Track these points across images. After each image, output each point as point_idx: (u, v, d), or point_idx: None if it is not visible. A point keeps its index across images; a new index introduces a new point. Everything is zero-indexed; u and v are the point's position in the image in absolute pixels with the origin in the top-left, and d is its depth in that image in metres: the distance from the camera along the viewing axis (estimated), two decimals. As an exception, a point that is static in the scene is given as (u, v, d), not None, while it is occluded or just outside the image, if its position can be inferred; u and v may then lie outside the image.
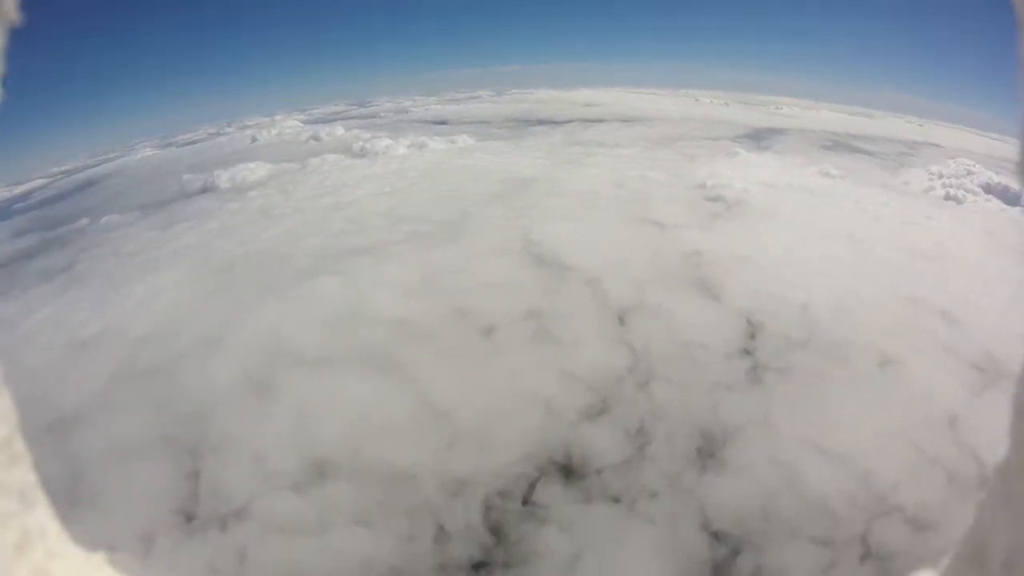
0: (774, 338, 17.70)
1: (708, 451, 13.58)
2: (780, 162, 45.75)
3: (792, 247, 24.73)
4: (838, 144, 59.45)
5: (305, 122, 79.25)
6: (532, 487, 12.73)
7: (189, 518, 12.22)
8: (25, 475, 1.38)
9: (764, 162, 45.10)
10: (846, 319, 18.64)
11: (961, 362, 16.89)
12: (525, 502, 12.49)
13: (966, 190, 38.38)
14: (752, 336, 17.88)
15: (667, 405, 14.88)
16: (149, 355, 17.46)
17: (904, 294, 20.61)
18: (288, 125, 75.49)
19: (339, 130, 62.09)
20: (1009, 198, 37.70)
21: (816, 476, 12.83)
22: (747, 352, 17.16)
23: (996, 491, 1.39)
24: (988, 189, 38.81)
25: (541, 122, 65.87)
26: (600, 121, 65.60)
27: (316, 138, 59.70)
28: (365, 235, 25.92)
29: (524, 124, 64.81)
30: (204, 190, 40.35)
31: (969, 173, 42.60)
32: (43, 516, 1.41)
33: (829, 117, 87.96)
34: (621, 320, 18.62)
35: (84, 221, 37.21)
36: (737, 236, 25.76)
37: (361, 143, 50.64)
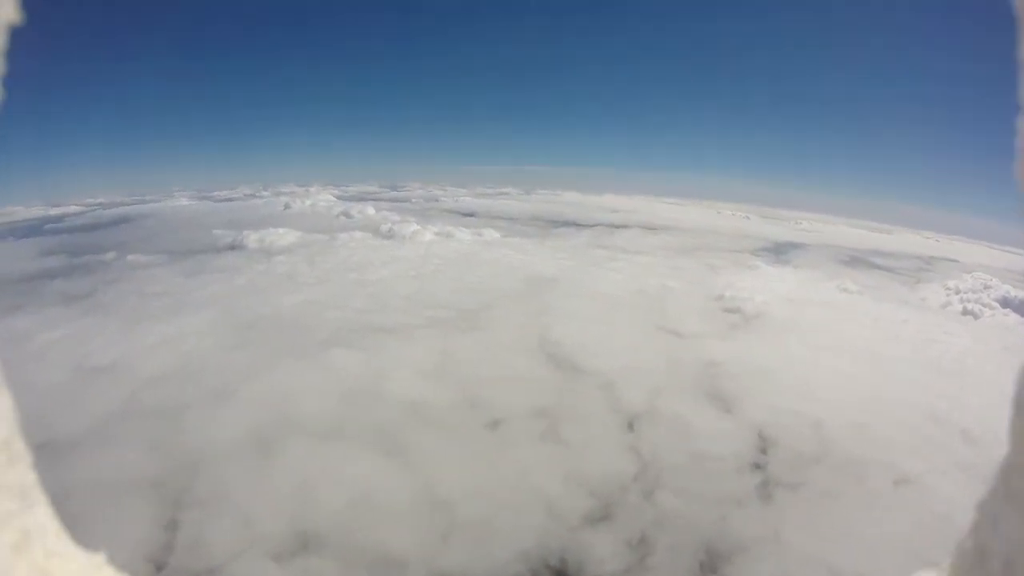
0: (787, 453, 17.11)
1: (712, 566, 12.90)
2: (799, 276, 45.78)
3: (809, 362, 24.31)
4: (856, 259, 59.56)
5: (338, 197, 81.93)
6: (524, 590, 12.18)
7: (159, 567, 11.71)
8: (25, 475, 1.37)
9: (783, 275, 45.16)
10: (862, 436, 17.99)
11: (979, 481, 15.82)
12: None
13: (983, 304, 37.87)
14: (764, 451, 17.34)
15: (672, 516, 14.27)
16: (156, 395, 17.41)
17: (922, 411, 19.97)
18: (322, 198, 77.97)
19: (370, 210, 63.98)
20: None
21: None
22: (758, 466, 16.58)
23: (997, 491, 1.36)
24: (1005, 303, 38.27)
25: (566, 223, 67.22)
26: (624, 227, 66.74)
27: (347, 214, 61.47)
28: (387, 315, 26.10)
29: (550, 224, 66.19)
30: (233, 247, 41.55)
31: (986, 287, 42.22)
32: (43, 516, 1.40)
33: (848, 232, 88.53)
34: (631, 426, 18.24)
35: (111, 254, 38.22)
36: (754, 349, 25.45)
37: (390, 225, 51.99)
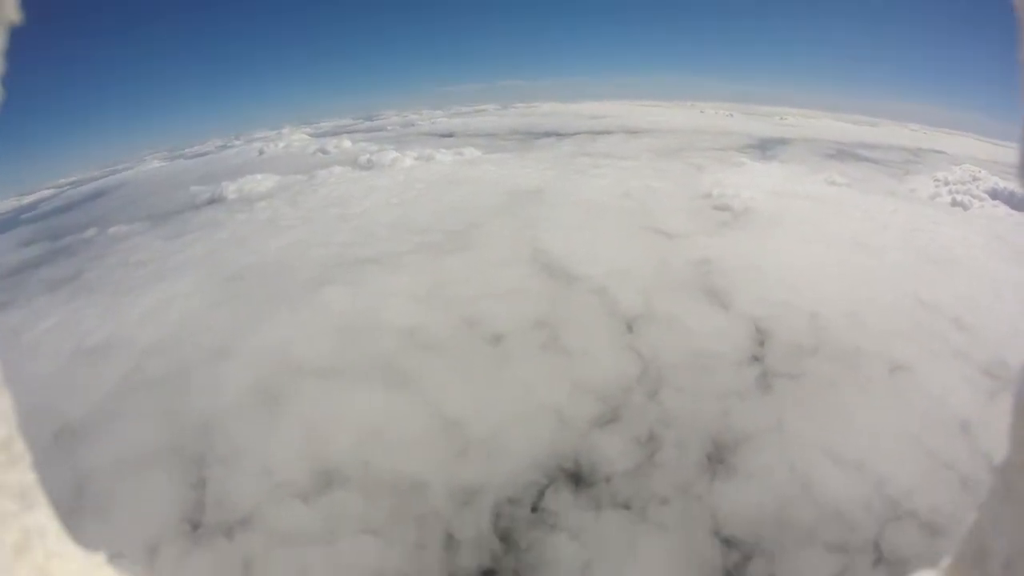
0: (784, 345, 17.46)
1: (719, 458, 13.36)
2: (786, 171, 45.56)
3: (800, 255, 24.47)
4: (843, 153, 59.31)
5: (312, 135, 79.94)
6: (541, 494, 12.54)
7: (195, 526, 12.06)
8: (25, 475, 1.36)
9: (770, 171, 44.95)
10: (856, 326, 18.38)
11: (973, 367, 16.66)
12: (534, 509, 12.30)
13: (973, 196, 38.24)
14: (762, 343, 17.65)
15: (677, 412, 14.66)
16: (157, 365, 17.33)
17: (914, 300, 20.34)
18: (295, 138, 76.11)
19: (346, 143, 62.60)
20: (1016, 203, 37.58)
21: (829, 482, 12.60)
22: (757, 359, 16.93)
23: (997, 491, 1.35)
24: (995, 195, 38.72)
25: (547, 134, 65.97)
26: (606, 133, 65.66)
27: (323, 151, 60.10)
28: (373, 245, 25.81)
29: (530, 137, 64.98)
30: (212, 201, 40.53)
31: (975, 179, 42.60)
32: (43, 516, 1.39)
33: (833, 126, 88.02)
34: (630, 328, 18.42)
35: (92, 231, 37.37)
36: (745, 244, 25.54)
37: (368, 155, 50.88)
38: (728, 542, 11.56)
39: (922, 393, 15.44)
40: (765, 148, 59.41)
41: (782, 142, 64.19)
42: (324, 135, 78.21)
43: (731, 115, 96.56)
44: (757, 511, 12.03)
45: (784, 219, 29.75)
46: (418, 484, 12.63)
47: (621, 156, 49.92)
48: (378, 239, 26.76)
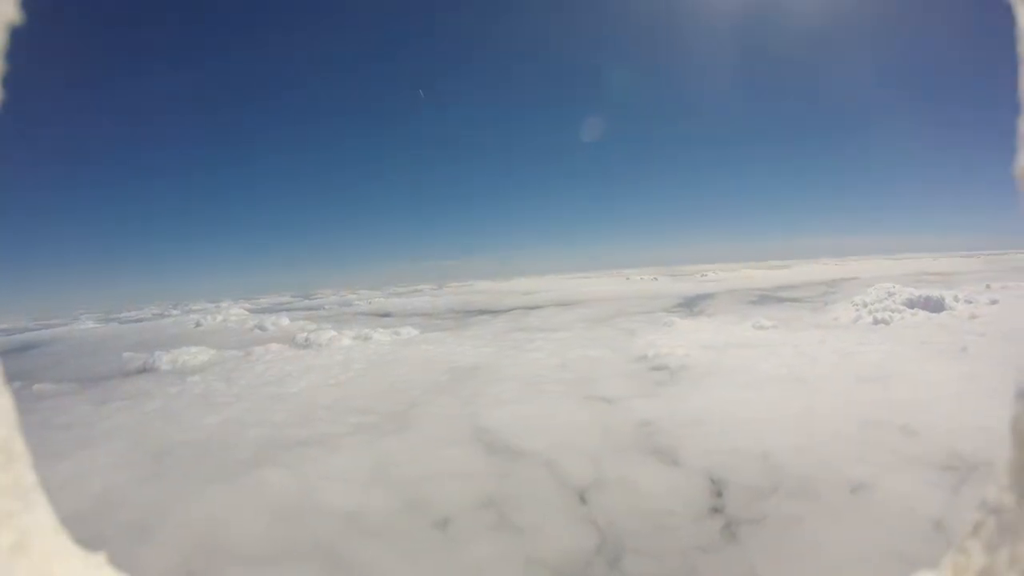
0: (741, 491, 17.14)
1: (696, 621, 12.55)
2: (714, 323, 47.63)
3: (741, 401, 24.90)
4: (764, 297, 62.73)
5: (251, 311, 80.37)
6: None
7: None
8: (24, 475, 1.39)
9: (699, 326, 46.91)
10: (808, 456, 18.38)
11: (931, 467, 16.84)
12: None
13: (891, 310, 40.73)
14: (719, 494, 17.30)
15: (644, 580, 13.92)
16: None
17: (859, 420, 20.70)
18: (234, 312, 76.37)
19: (284, 320, 63.32)
20: (932, 306, 40.24)
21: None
22: (717, 510, 16.47)
23: (1001, 489, 1.37)
24: (911, 304, 41.42)
25: (481, 312, 67.87)
26: (538, 307, 68.20)
27: (261, 327, 60.37)
28: (311, 426, 25.21)
29: (465, 315, 66.74)
30: (144, 370, 40.12)
31: (890, 295, 45.41)
32: (42, 516, 1.41)
33: (751, 274, 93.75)
34: (582, 499, 17.85)
35: (16, 384, 35.06)
36: (685, 399, 25.96)
37: (306, 334, 51.24)
38: None
39: (887, 505, 15.20)
40: (692, 305, 62.33)
41: (707, 297, 67.61)
42: (263, 311, 78.80)
43: (656, 279, 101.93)
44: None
45: (719, 369, 30.65)
46: None
47: (555, 328, 51.48)
48: (316, 420, 26.19)
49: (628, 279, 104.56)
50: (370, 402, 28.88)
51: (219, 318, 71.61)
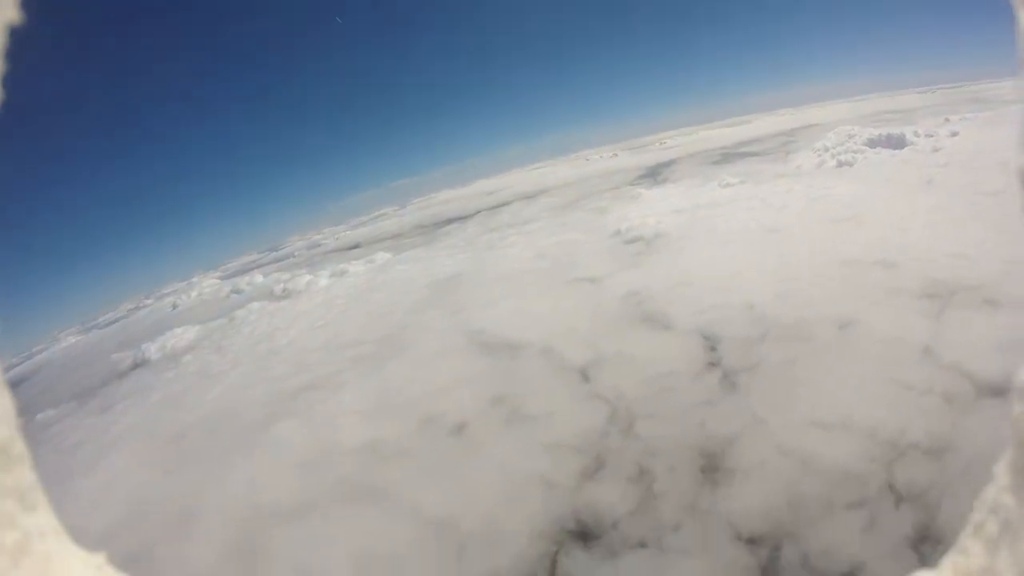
0: (734, 343, 18.03)
1: (713, 467, 13.44)
2: (680, 188, 48.17)
3: (719, 258, 25.70)
4: (727, 156, 63.11)
5: (222, 278, 79.55)
6: (555, 563, 12.31)
7: None
8: (25, 476, 1.38)
9: (666, 194, 47.41)
10: (792, 301, 19.30)
11: (912, 297, 17.82)
12: None
13: (853, 152, 41.55)
14: (713, 348, 18.16)
15: (657, 440, 14.73)
16: (117, 548, 16.00)
17: (836, 260, 21.59)
18: (206, 284, 75.63)
19: (258, 277, 62.90)
20: (894, 143, 41.12)
21: (824, 450, 12.81)
22: (714, 364, 17.35)
23: (1003, 487, 1.33)
24: (873, 144, 42.28)
25: (449, 221, 67.55)
26: (504, 204, 67.94)
27: (237, 291, 60.02)
28: (310, 371, 25.53)
29: (434, 227, 66.42)
30: (136, 366, 39.72)
31: (851, 137, 46.21)
32: (43, 517, 1.40)
33: (711, 135, 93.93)
34: (585, 377, 18.62)
35: (20, 421, 35.41)
36: (666, 265, 26.72)
37: (282, 285, 50.97)
38: (753, 541, 11.52)
39: (876, 337, 16.17)
40: (656, 174, 62.59)
41: (669, 164, 67.83)
42: (235, 275, 77.98)
43: (615, 155, 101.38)
44: (768, 502, 12.08)
45: (693, 231, 31.33)
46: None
47: (525, 221, 51.63)
48: (313, 364, 26.49)
49: (588, 160, 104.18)
50: (360, 334, 29.11)
51: (194, 294, 70.39)
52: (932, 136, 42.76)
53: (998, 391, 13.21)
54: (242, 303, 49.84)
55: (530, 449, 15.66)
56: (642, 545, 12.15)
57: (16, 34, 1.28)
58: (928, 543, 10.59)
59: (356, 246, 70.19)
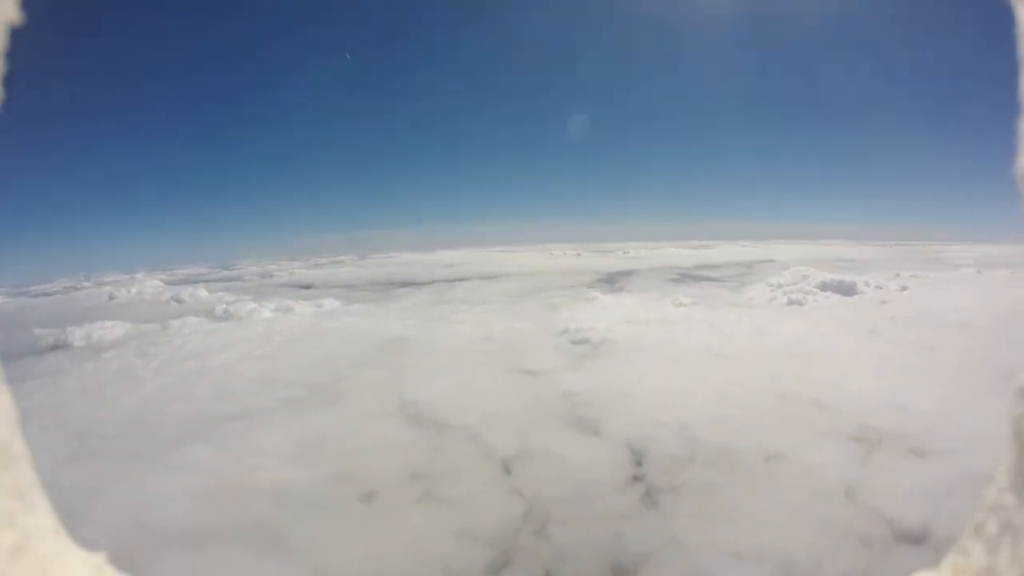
0: (660, 460, 18.05)
1: (622, 583, 13.25)
2: (635, 299, 49.04)
3: (660, 374, 26.03)
4: (685, 276, 65.06)
5: (167, 282, 77.34)
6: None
7: None
8: (24, 475, 1.38)
9: (621, 301, 48.20)
10: (724, 428, 19.52)
11: (841, 439, 18.28)
12: None
13: (805, 292, 43.26)
14: (639, 463, 18.15)
15: (569, 546, 14.43)
16: None
17: (773, 393, 22.11)
18: (149, 284, 73.32)
19: (202, 292, 61.42)
20: (845, 289, 43.04)
21: (740, 580, 12.81)
22: (637, 479, 17.31)
23: (1004, 489, 1.35)
24: (824, 287, 44.16)
25: (405, 284, 67.48)
26: (462, 280, 68.42)
27: (178, 299, 58.52)
28: (236, 401, 24.71)
29: (389, 286, 66.20)
30: (57, 347, 38.41)
31: (805, 278, 48.06)
32: (43, 516, 1.41)
33: (673, 253, 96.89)
34: (507, 470, 18.35)
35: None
36: (607, 373, 26.94)
37: (225, 306, 49.93)
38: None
39: (800, 474, 16.40)
40: (614, 281, 63.87)
41: (629, 274, 69.39)
42: (179, 282, 76.14)
43: (579, 254, 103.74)
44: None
45: (640, 344, 31.76)
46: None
47: (479, 301, 51.92)
48: (241, 394, 25.68)
49: (552, 254, 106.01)
50: (295, 375, 28.49)
51: (133, 290, 68.59)
52: (882, 288, 44.87)
53: (916, 539, 13.45)
54: (180, 313, 48.69)
55: (438, 532, 15.19)
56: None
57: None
58: None
59: (308, 286, 69.54)
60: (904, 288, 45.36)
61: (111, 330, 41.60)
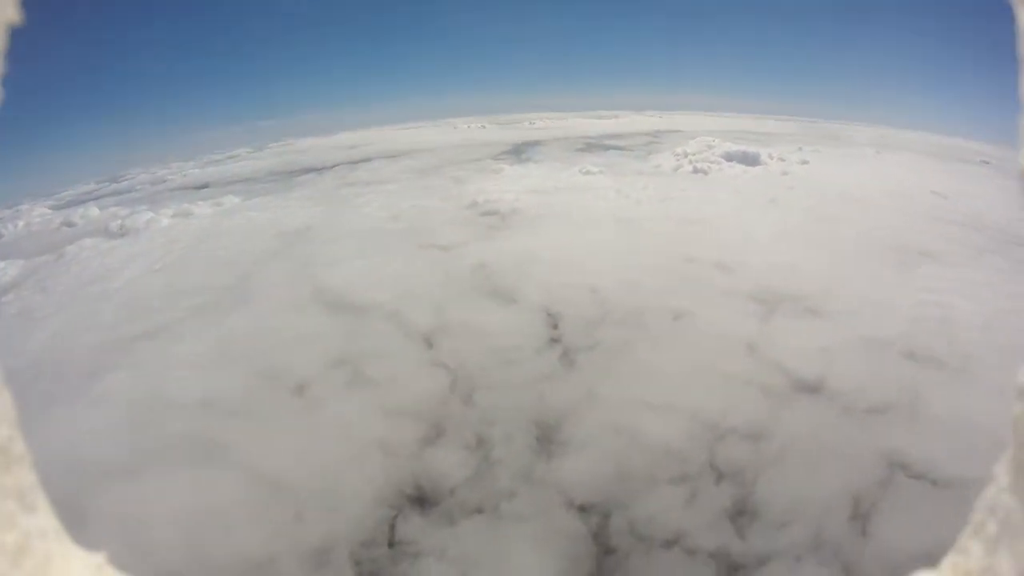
0: (575, 322, 19.17)
1: (548, 439, 14.32)
2: (542, 169, 49.42)
3: (569, 241, 27.01)
4: (591, 145, 65.51)
5: (54, 208, 71.87)
6: (393, 528, 12.58)
7: None
8: (25, 476, 1.40)
9: (527, 172, 48.49)
10: (633, 290, 20.85)
11: (743, 299, 19.91)
12: (391, 544, 12.23)
13: (710, 162, 44.88)
14: (555, 326, 19.19)
15: (496, 410, 15.39)
16: None
17: (679, 257, 23.54)
18: (35, 214, 68.08)
19: (93, 211, 57.27)
20: (748, 160, 44.99)
21: (651, 428, 14.07)
22: (555, 341, 18.38)
23: (1003, 488, 1.37)
24: (729, 158, 45.92)
25: (306, 171, 65.07)
26: (365, 160, 66.42)
27: (69, 223, 54.53)
28: (146, 319, 23.77)
29: (289, 175, 63.59)
30: None
31: (710, 148, 49.72)
32: (43, 517, 1.43)
33: (579, 124, 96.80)
34: (429, 344, 18.96)
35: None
36: (517, 242, 27.62)
37: (120, 221, 46.91)
38: (584, 509, 12.49)
39: (706, 331, 17.96)
40: (520, 152, 63.61)
41: (534, 144, 69.14)
42: (68, 205, 70.79)
43: (484, 127, 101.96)
44: (599, 474, 13.13)
45: (548, 212, 32.50)
46: (264, 562, 11.99)
47: (384, 180, 50.91)
48: (149, 311, 24.67)
49: (456, 128, 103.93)
50: (202, 281, 27.37)
51: (20, 224, 62.59)
52: (784, 161, 47.03)
53: (811, 388, 15.23)
54: (73, 238, 45.41)
55: (371, 413, 15.77)
56: (479, 511, 12.78)
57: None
58: (745, 516, 12.03)
59: (205, 186, 65.64)
60: (805, 162, 47.63)
61: (4, 271, 38.51)
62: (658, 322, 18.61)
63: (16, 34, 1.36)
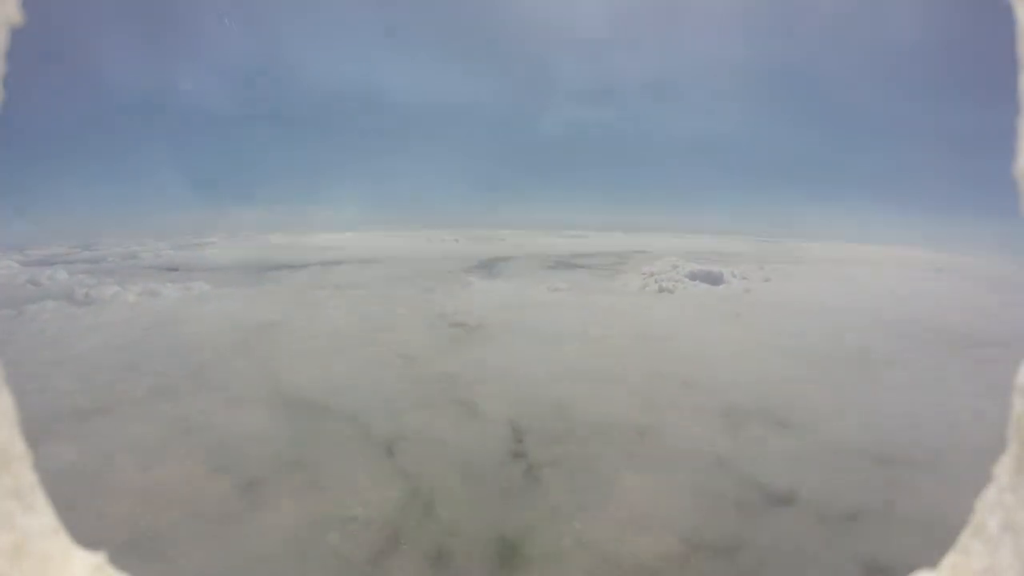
0: (540, 436, 18.97)
1: (510, 555, 13.88)
2: (511, 285, 50.46)
3: (536, 354, 27.36)
4: (560, 263, 67.24)
5: (22, 263, 70.44)
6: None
7: None
8: (25, 476, 1.43)
9: (497, 287, 49.52)
10: (599, 404, 20.95)
11: (710, 414, 20.08)
12: None
13: (675, 281, 46.50)
14: (520, 440, 18.93)
15: (457, 522, 14.93)
16: None
17: (643, 373, 23.80)
18: (2, 265, 66.56)
19: (61, 274, 56.76)
20: (712, 279, 46.77)
21: (622, 548, 13.69)
22: (519, 455, 18.07)
23: (1003, 488, 1.38)
24: (693, 277, 47.78)
25: (279, 267, 65.30)
26: (339, 263, 67.16)
27: (34, 282, 53.74)
28: (99, 393, 23.20)
29: (261, 269, 63.68)
30: None
31: (675, 267, 51.56)
32: (42, 517, 1.45)
33: (548, 242, 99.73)
34: (390, 452, 18.61)
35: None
36: (484, 354, 27.88)
37: (86, 290, 46.35)
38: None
39: (674, 447, 17.92)
40: (490, 267, 64.99)
41: (505, 260, 70.77)
42: (36, 263, 69.51)
43: (456, 240, 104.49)
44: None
45: (515, 327, 32.98)
46: None
47: (356, 285, 51.40)
48: (103, 386, 24.09)
49: (429, 240, 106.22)
50: (162, 364, 27.01)
51: None
52: (747, 279, 49.21)
53: (784, 500, 15.16)
54: (37, 297, 44.73)
55: (324, 519, 15.17)
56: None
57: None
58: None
59: (175, 269, 65.67)
60: (767, 279, 50.13)
61: (-39, 318, 37.82)
62: (624, 437, 18.54)
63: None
